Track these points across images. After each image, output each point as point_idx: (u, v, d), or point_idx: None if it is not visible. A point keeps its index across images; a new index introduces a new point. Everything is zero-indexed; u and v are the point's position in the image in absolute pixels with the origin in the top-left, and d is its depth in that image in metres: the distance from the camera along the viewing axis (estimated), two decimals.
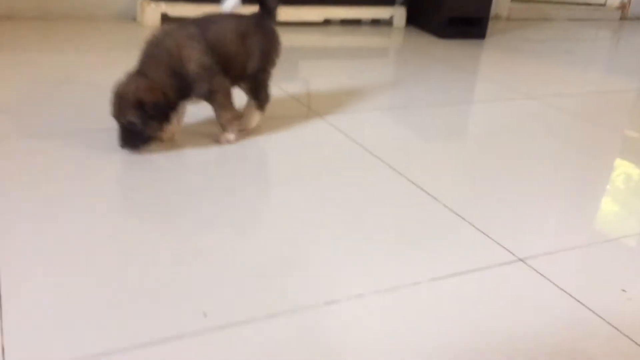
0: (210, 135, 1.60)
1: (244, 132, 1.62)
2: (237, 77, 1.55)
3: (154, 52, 1.42)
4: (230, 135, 1.56)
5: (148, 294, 0.96)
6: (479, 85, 2.43)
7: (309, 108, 1.88)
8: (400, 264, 1.11)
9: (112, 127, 1.46)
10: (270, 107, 1.68)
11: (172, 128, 1.54)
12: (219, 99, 1.50)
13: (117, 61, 2.15)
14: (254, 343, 0.88)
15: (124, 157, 1.43)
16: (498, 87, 2.38)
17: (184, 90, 1.44)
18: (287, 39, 2.85)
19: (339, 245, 1.16)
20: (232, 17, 1.56)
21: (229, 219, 1.22)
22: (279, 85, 2.06)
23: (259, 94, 1.62)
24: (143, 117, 1.37)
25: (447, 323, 0.96)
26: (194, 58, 1.43)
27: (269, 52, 1.60)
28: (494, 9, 3.82)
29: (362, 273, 1.07)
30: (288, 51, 2.64)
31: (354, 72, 2.40)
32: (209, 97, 1.49)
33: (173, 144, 1.54)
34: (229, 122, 1.55)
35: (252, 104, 1.63)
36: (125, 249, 1.08)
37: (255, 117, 1.64)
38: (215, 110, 1.53)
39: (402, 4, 3.35)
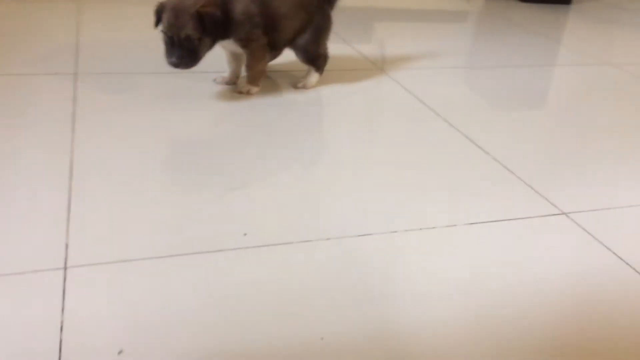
0: (282, 83, 1.67)
1: (304, 89, 1.67)
2: (282, 42, 1.60)
3: (184, 8, 1.42)
4: (253, 87, 1.60)
5: (197, 213, 1.05)
6: (557, 51, 2.34)
7: (379, 67, 1.90)
8: (439, 207, 1.14)
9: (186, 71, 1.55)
10: (340, 63, 1.72)
11: (233, 73, 1.63)
12: (253, 49, 1.54)
13: None
14: (286, 263, 0.94)
15: (211, 97, 1.53)
16: (576, 54, 2.29)
17: (226, 27, 1.47)
18: (362, 0, 2.87)
19: (381, 185, 1.20)
20: None
21: (284, 155, 1.29)
22: (352, 45, 2.09)
23: (313, 62, 1.67)
24: (200, 32, 1.40)
25: (476, 265, 0.99)
26: (243, 2, 1.48)
27: (320, 31, 1.65)
28: None
29: (398, 212, 1.11)
30: (364, 12, 2.66)
31: (428, 35, 2.39)
32: (245, 44, 1.52)
33: (240, 91, 1.61)
34: (255, 75, 1.59)
35: (311, 67, 1.68)
36: (186, 173, 1.17)
37: (314, 78, 1.68)
38: (247, 59, 1.57)
39: None
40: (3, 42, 1.76)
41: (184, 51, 1.40)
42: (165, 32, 1.39)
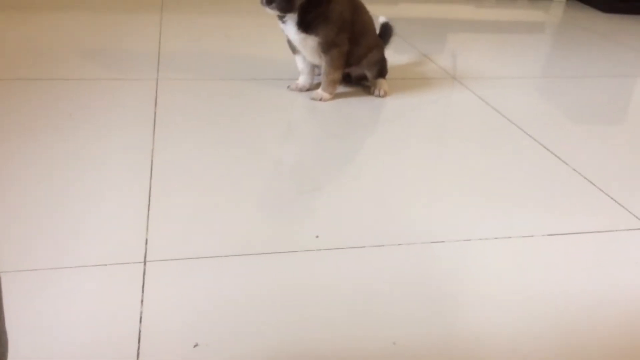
0: (354, 91, 1.68)
1: (384, 97, 1.66)
2: (355, 58, 1.61)
3: None
4: (326, 95, 1.61)
5: (271, 214, 1.07)
6: None
7: (452, 76, 1.88)
8: (516, 217, 1.10)
9: (261, 77, 1.59)
10: (414, 72, 1.72)
11: (306, 81, 1.65)
12: (334, 55, 1.55)
13: (270, 25, 2.30)
14: (358, 266, 0.94)
15: (287, 99, 1.56)
16: None
17: (318, 11, 1.47)
18: (437, 10, 2.85)
19: (456, 192, 1.18)
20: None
21: (358, 160, 1.29)
22: (425, 54, 2.08)
23: (382, 74, 1.69)
24: None
25: (552, 278, 0.95)
26: (341, 4, 1.50)
27: (382, 50, 1.69)
28: None
29: (473, 220, 1.09)
30: (438, 23, 2.64)
31: (504, 45, 2.34)
32: (327, 49, 1.53)
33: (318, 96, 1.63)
34: (331, 83, 1.60)
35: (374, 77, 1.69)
36: (260, 176, 1.19)
37: (385, 84, 1.68)
38: (325, 65, 1.58)
39: None
40: (90, 50, 1.86)
41: None
42: None
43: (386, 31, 1.79)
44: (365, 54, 1.63)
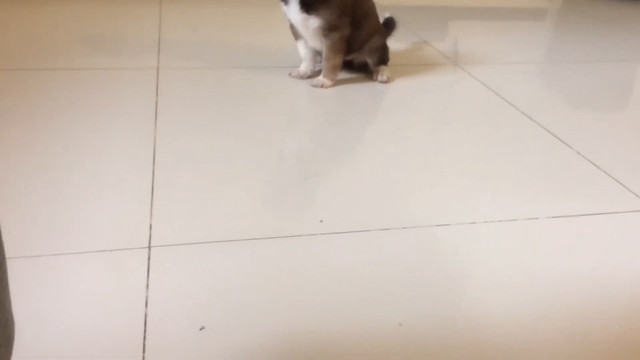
0: (356, 76, 1.68)
1: (387, 82, 1.66)
2: (357, 43, 1.61)
3: None
4: (327, 81, 1.61)
5: (275, 199, 1.06)
6: None
7: (454, 62, 1.87)
8: (520, 200, 1.10)
9: (261, 65, 1.58)
10: (416, 58, 1.71)
11: (308, 68, 1.65)
12: (335, 38, 1.54)
13: (270, 13, 2.29)
14: (362, 250, 0.94)
15: (288, 88, 1.56)
16: None
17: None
18: None
19: (460, 176, 1.17)
20: None
21: (361, 145, 1.29)
22: (428, 42, 2.07)
23: (384, 60, 1.68)
24: None
25: (556, 259, 0.95)
26: None
27: (384, 37, 1.70)
28: None
29: (478, 203, 1.08)
30: (440, 10, 2.62)
31: (506, 32, 2.32)
32: (328, 32, 1.53)
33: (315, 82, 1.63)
34: (332, 69, 1.60)
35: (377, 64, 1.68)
36: (263, 161, 1.19)
37: (387, 70, 1.67)
38: (326, 50, 1.57)
39: None
40: (92, 40, 1.85)
41: None
42: None
43: (389, 24, 1.78)
44: (367, 40, 1.63)
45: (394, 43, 1.80)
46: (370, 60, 1.66)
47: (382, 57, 1.67)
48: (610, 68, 1.91)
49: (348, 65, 1.69)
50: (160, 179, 1.10)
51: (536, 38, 2.27)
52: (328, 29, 1.52)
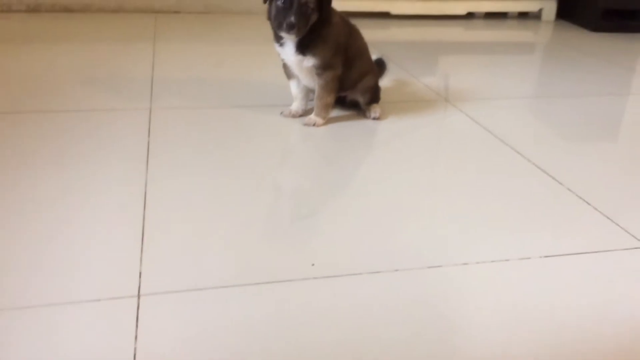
0: (348, 114, 1.69)
1: (379, 119, 1.67)
2: (349, 83, 1.63)
3: None
4: (319, 120, 1.61)
5: (266, 242, 1.06)
6: (631, 80, 2.26)
7: (445, 98, 1.89)
8: (512, 239, 1.10)
9: (253, 104, 1.59)
10: (407, 95, 1.73)
11: (299, 106, 1.66)
12: (328, 77, 1.56)
13: (261, 52, 2.32)
14: (354, 294, 0.93)
15: (279, 126, 1.56)
16: None
17: (313, 32, 1.49)
18: (428, 32, 2.88)
19: (451, 215, 1.17)
20: None
21: (353, 185, 1.29)
22: (417, 77, 2.09)
23: (376, 99, 1.70)
24: (315, 3, 1.44)
25: (551, 301, 0.94)
26: (338, 27, 1.52)
27: (376, 76, 1.72)
28: None
29: (470, 243, 1.08)
30: (428, 45, 2.66)
31: (495, 67, 2.35)
32: (322, 71, 1.54)
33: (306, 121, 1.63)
34: (324, 107, 1.61)
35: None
36: (255, 203, 1.19)
37: (379, 108, 1.69)
38: (319, 89, 1.58)
39: None
40: (84, 81, 1.86)
41: (299, 16, 1.43)
42: None
43: (379, 65, 1.81)
44: (360, 79, 1.64)
45: (384, 79, 1.82)
46: (361, 99, 1.68)
47: (373, 97, 1.69)
48: (598, 102, 1.93)
49: (340, 102, 1.70)
50: (151, 223, 1.10)
51: (525, 72, 2.30)
52: (322, 68, 1.54)
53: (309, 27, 1.46)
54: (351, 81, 1.63)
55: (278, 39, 1.52)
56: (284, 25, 1.43)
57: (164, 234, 1.07)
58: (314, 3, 1.44)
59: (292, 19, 1.42)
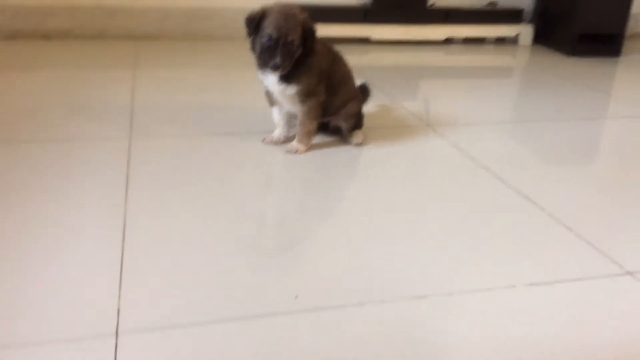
0: (329, 141, 1.68)
1: (362, 146, 1.67)
2: (333, 109, 1.63)
3: (293, 14, 1.46)
4: (302, 147, 1.61)
5: (248, 275, 1.04)
6: (608, 104, 2.29)
7: (426, 124, 1.90)
8: (497, 268, 1.10)
9: (235, 132, 1.58)
10: (388, 121, 1.73)
11: (281, 134, 1.66)
12: (311, 104, 1.56)
13: (242, 77, 2.31)
14: (341, 327, 0.92)
15: (264, 155, 1.55)
16: (627, 106, 2.23)
17: (298, 63, 1.49)
18: (407, 57, 2.91)
19: (436, 245, 1.17)
20: None
21: (334, 214, 1.28)
22: (398, 102, 2.10)
23: (354, 126, 1.70)
24: (300, 40, 1.45)
25: (537, 330, 0.93)
26: (320, 55, 1.52)
27: (360, 103, 1.72)
28: (634, 27, 3.58)
29: (454, 272, 1.07)
30: (408, 70, 2.69)
31: (474, 91, 2.38)
32: (304, 99, 1.54)
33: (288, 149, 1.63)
34: (306, 135, 1.61)
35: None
36: (235, 235, 1.17)
37: (359, 133, 1.69)
38: (301, 117, 1.58)
39: (530, 21, 3.26)
40: (61, 110, 1.84)
41: (285, 55, 1.43)
42: (269, 35, 1.42)
43: (363, 91, 1.82)
44: (344, 105, 1.64)
45: (368, 104, 1.82)
46: (345, 126, 1.68)
47: (356, 123, 1.69)
48: (576, 126, 1.95)
49: (323, 128, 1.70)
50: (130, 257, 1.07)
51: (504, 97, 2.33)
52: (305, 96, 1.53)
53: (292, 59, 1.46)
54: (334, 107, 1.63)
55: (261, 67, 1.52)
56: (270, 65, 1.43)
57: (143, 268, 1.05)
58: (299, 39, 1.45)
59: (278, 60, 1.42)
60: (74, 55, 2.55)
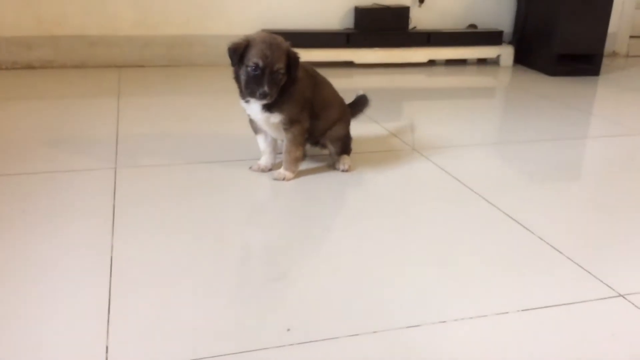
0: (316, 167, 1.68)
1: (348, 171, 1.66)
2: (318, 132, 1.64)
3: (277, 43, 1.46)
4: (289, 174, 1.60)
5: (238, 308, 1.02)
6: (589, 123, 2.33)
7: (411, 147, 1.90)
8: (488, 294, 1.09)
9: (221, 159, 1.57)
10: (373, 144, 1.74)
11: (268, 161, 1.65)
12: (295, 133, 1.56)
13: (227, 104, 2.32)
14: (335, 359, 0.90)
15: (246, 182, 1.54)
16: (610, 125, 2.26)
17: (282, 91, 1.49)
18: (391, 80, 2.93)
19: (427, 272, 1.16)
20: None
21: (324, 242, 1.27)
22: (383, 125, 2.11)
23: (346, 150, 1.70)
24: (285, 69, 1.45)
25: (533, 355, 0.93)
26: (302, 83, 1.52)
27: (349, 122, 1.73)
28: (612, 46, 3.65)
29: (447, 300, 1.07)
30: (392, 92, 2.70)
31: (457, 112, 2.40)
32: (289, 127, 1.54)
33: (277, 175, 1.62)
34: (293, 161, 1.60)
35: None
36: (225, 266, 1.15)
37: (348, 159, 1.69)
38: (287, 144, 1.58)
39: (510, 42, 3.31)
40: (45, 141, 1.82)
41: (271, 84, 1.43)
42: (256, 64, 1.42)
43: (362, 102, 1.82)
44: (330, 127, 1.65)
45: (351, 128, 1.79)
46: (332, 149, 1.68)
47: (344, 147, 1.69)
48: (559, 146, 1.97)
49: (314, 143, 1.68)
50: (117, 293, 1.05)
51: (487, 118, 2.35)
52: (289, 123, 1.53)
53: (278, 88, 1.46)
54: (320, 130, 1.63)
55: (244, 97, 1.52)
56: (257, 95, 1.43)
57: (131, 303, 1.03)
58: (284, 68, 1.45)
59: (266, 88, 1.42)
60: (57, 85, 2.54)
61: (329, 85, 1.68)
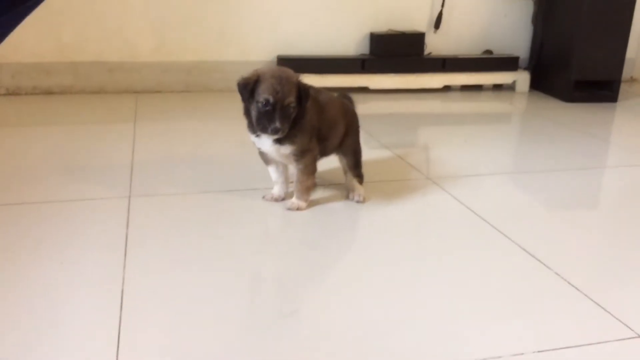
0: (330, 195, 1.67)
1: (363, 202, 1.65)
2: (331, 149, 1.64)
3: (287, 77, 1.46)
4: (302, 203, 1.60)
5: (250, 344, 1.01)
6: (609, 151, 2.30)
7: (425, 175, 1.89)
8: (503, 334, 1.07)
9: (235, 188, 1.58)
10: (387, 173, 1.73)
11: (281, 190, 1.65)
12: (306, 163, 1.55)
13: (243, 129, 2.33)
14: None
15: (266, 212, 1.54)
16: (630, 154, 2.23)
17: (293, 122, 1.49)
18: (406, 105, 2.93)
19: (440, 309, 1.14)
20: (335, 96, 1.70)
21: (337, 275, 1.26)
22: (400, 155, 2.10)
23: (359, 165, 1.69)
24: (297, 102, 1.45)
25: None
26: (310, 113, 1.52)
27: (356, 132, 1.72)
28: (630, 71, 3.62)
29: (461, 339, 1.05)
30: (407, 118, 2.70)
31: (473, 139, 2.39)
32: (300, 157, 1.54)
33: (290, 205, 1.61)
34: (305, 191, 1.60)
35: (353, 178, 1.69)
36: (237, 298, 1.15)
37: (360, 189, 1.68)
38: (298, 174, 1.58)
39: (526, 68, 3.30)
40: (59, 169, 1.83)
41: (283, 119, 1.42)
42: (267, 100, 1.41)
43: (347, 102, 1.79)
44: (341, 143, 1.66)
45: (365, 155, 1.75)
46: (345, 160, 1.68)
47: (357, 162, 1.68)
48: (576, 176, 1.94)
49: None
50: (128, 324, 1.05)
51: (503, 145, 2.33)
52: (300, 154, 1.53)
53: (289, 122, 1.46)
54: (331, 149, 1.65)
55: (253, 131, 1.52)
56: (269, 130, 1.43)
57: (141, 330, 1.02)
58: (295, 101, 1.45)
59: (278, 124, 1.41)
60: (75, 111, 2.57)
61: (331, 102, 1.65)
